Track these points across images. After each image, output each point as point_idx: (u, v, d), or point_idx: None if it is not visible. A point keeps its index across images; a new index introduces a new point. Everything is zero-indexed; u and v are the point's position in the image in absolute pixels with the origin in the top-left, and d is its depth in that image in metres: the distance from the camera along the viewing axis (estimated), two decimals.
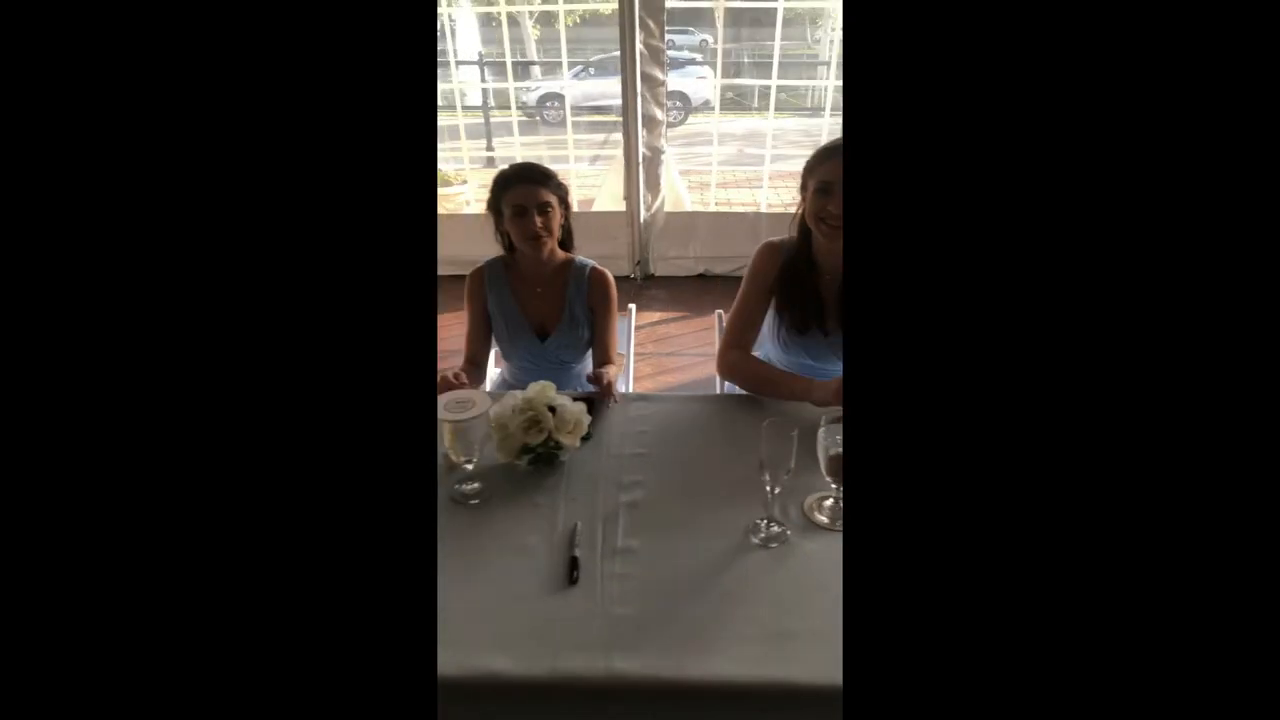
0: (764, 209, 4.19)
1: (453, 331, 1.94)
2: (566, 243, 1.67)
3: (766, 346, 1.54)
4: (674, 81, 7.23)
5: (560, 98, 7.26)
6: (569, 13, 6.73)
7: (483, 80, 6.20)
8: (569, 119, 4.35)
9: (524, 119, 5.30)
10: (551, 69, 7.81)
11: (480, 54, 5.74)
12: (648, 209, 3.87)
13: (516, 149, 4.78)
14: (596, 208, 4.22)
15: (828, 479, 1.06)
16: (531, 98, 7.37)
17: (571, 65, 6.97)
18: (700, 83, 7.80)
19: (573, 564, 1.00)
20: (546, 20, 6.86)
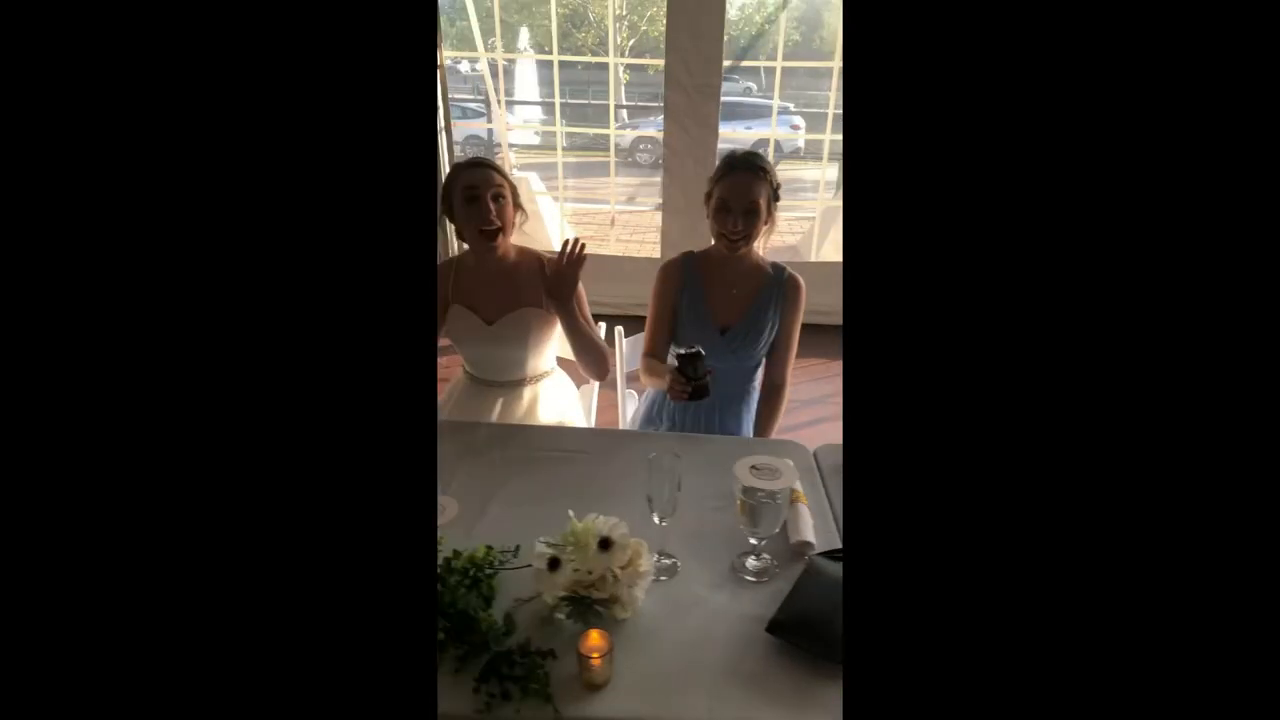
0: None
1: None
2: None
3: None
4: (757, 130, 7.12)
5: (654, 141, 7.31)
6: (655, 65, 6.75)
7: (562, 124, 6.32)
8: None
9: (615, 161, 5.29)
10: (636, 113, 7.88)
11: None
12: None
13: (613, 189, 4.91)
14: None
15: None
16: (625, 140, 7.47)
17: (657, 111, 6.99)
18: (794, 132, 7.76)
19: None
20: (639, 67, 6.95)
